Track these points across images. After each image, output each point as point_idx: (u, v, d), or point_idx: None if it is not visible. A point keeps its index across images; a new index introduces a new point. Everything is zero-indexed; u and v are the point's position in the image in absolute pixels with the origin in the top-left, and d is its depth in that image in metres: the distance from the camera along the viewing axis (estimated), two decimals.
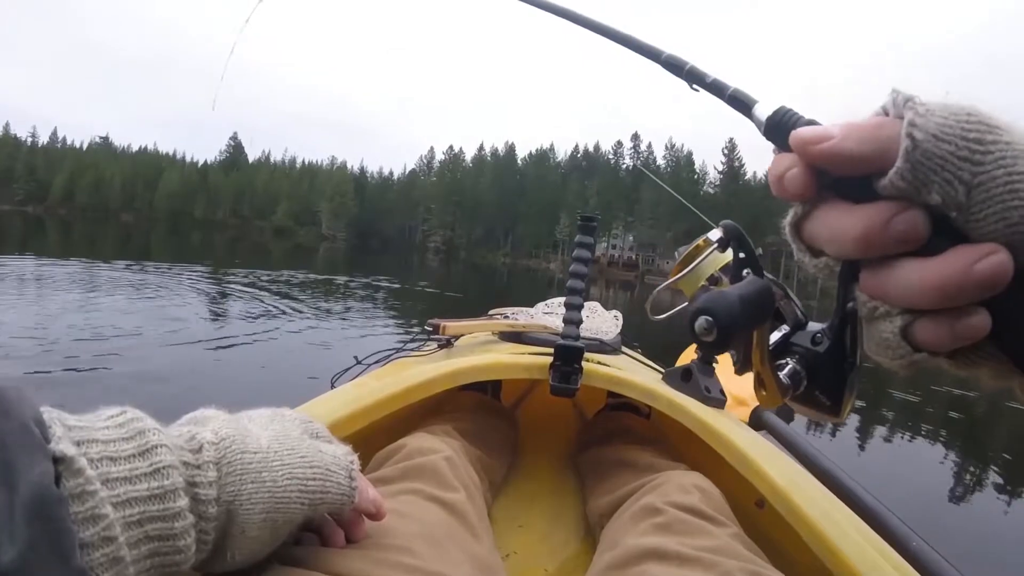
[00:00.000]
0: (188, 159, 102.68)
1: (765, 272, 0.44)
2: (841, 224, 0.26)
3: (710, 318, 0.34)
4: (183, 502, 0.33)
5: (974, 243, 0.24)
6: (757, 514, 0.72)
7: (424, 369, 0.93)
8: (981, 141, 0.23)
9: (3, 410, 0.27)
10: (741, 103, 0.39)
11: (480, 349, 1.04)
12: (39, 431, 0.28)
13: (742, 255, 0.50)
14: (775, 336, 0.39)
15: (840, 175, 0.27)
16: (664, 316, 0.70)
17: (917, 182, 0.24)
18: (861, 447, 3.87)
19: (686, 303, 0.54)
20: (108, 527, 0.29)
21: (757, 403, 1.26)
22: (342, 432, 0.81)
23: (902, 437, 4.38)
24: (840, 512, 0.78)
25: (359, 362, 1.12)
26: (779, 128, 0.32)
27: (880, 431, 4.38)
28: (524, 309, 1.42)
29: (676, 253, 0.78)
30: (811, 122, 0.30)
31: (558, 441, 1.27)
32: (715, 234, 0.55)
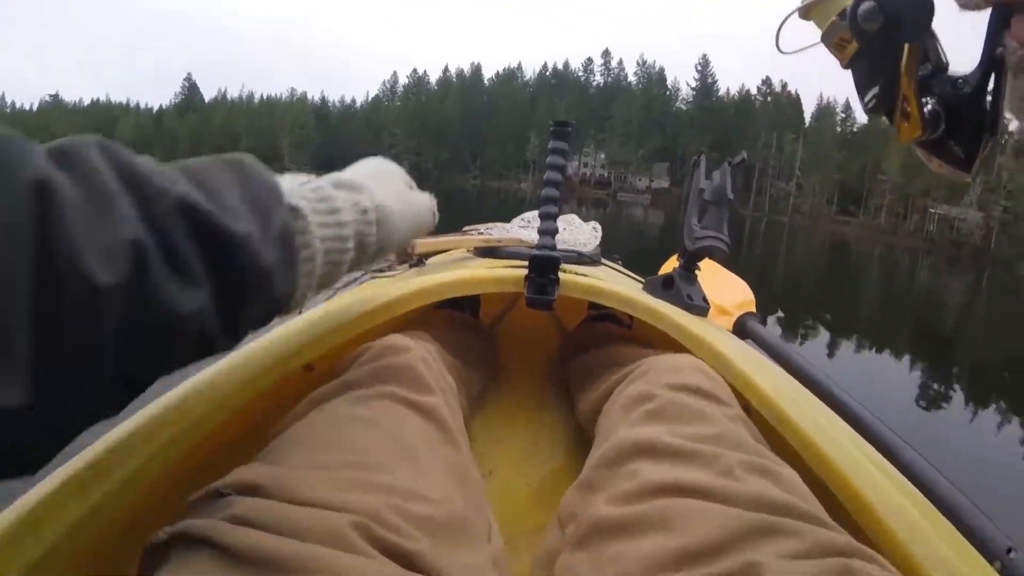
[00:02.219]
0: (142, 106, 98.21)
1: None
2: None
3: (874, 3, 0.32)
4: (351, 243, 0.51)
5: None
6: None
7: (394, 287, 0.89)
8: None
9: (254, 176, 0.42)
10: None
11: (454, 266, 0.99)
12: (278, 190, 0.43)
13: None
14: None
15: None
16: (797, 51, 0.62)
17: None
18: (831, 356, 3.98)
19: (818, 39, 0.49)
20: (314, 254, 0.47)
21: (741, 312, 1.24)
22: (310, 355, 0.76)
23: (872, 351, 4.52)
24: (830, 420, 0.74)
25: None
26: None
27: (850, 348, 4.49)
28: (499, 224, 1.37)
29: None
30: None
31: (539, 358, 1.25)
32: None
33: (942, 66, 0.37)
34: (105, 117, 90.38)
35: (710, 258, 0.98)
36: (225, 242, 0.36)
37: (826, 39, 0.45)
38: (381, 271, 1.01)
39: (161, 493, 0.59)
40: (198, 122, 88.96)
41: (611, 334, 1.06)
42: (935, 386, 3.75)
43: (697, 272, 1.01)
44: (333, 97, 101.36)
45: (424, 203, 0.68)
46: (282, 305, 0.44)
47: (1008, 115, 0.29)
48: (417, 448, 0.54)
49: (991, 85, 0.33)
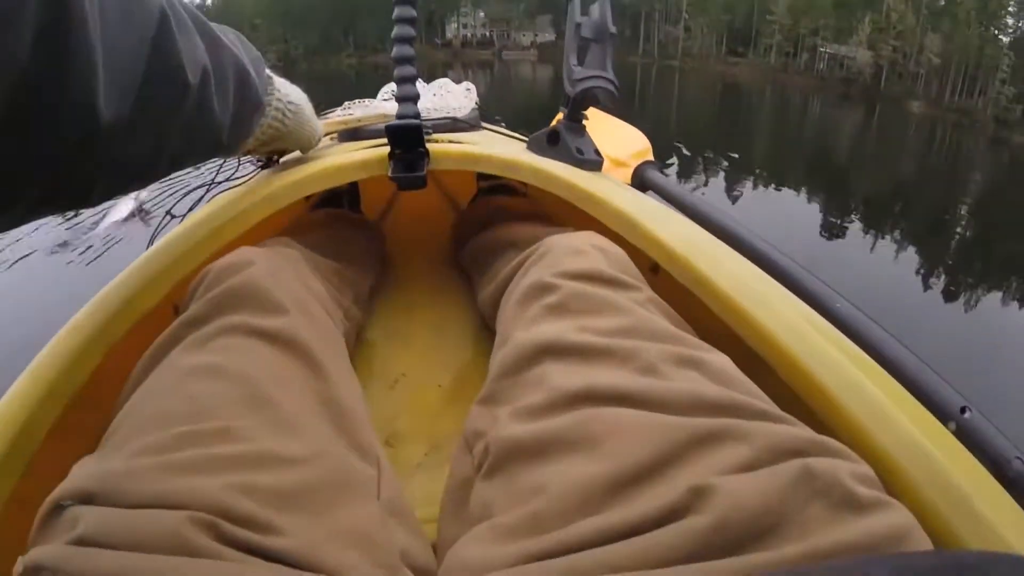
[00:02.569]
0: None
1: None
2: None
3: None
4: (271, 120, 0.70)
5: None
6: (652, 281, 0.61)
7: (242, 196, 0.74)
8: None
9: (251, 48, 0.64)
10: None
11: (310, 158, 0.85)
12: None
13: None
14: None
15: None
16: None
17: None
18: (731, 198, 4.05)
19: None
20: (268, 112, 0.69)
21: (638, 162, 1.15)
22: (156, 295, 0.65)
23: (772, 188, 4.63)
24: (752, 275, 0.65)
25: (170, 214, 0.88)
26: None
27: (749, 188, 4.57)
28: (362, 100, 1.20)
29: None
30: None
31: (434, 244, 1.16)
32: None
33: None
34: None
35: (597, 104, 0.88)
36: (248, 83, 0.58)
37: None
38: (224, 181, 0.84)
39: (21, 505, 0.49)
40: None
41: (502, 208, 0.96)
42: (834, 219, 3.93)
43: (585, 122, 0.90)
44: None
45: (320, 126, 0.82)
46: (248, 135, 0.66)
47: None
48: (274, 392, 0.45)
49: None
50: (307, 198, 0.82)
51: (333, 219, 0.98)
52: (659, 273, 0.73)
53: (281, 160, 0.86)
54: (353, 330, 0.78)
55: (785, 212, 4.07)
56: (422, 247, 1.15)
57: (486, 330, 0.89)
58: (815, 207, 4.09)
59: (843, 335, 0.56)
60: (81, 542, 0.33)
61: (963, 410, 0.56)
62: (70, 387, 0.57)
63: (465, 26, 69.78)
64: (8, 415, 0.52)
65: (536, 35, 65.56)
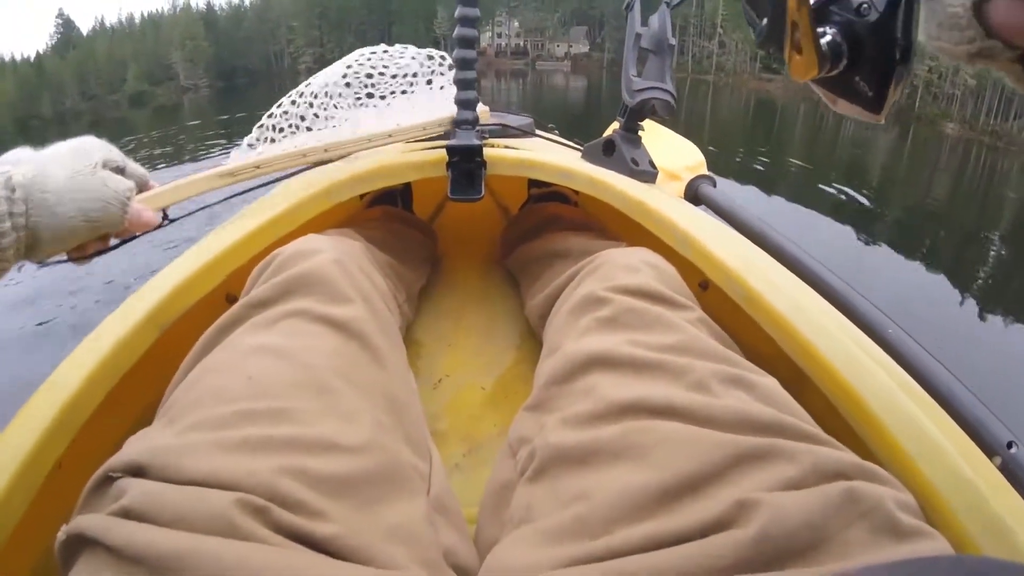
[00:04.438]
0: (19, 58, 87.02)
1: None
2: None
3: None
4: (7, 224, 0.49)
5: None
6: (701, 297, 0.61)
7: (307, 184, 0.77)
8: None
9: None
10: None
11: (376, 156, 0.86)
12: None
13: None
14: None
15: None
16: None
17: None
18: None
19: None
20: None
21: (692, 176, 1.14)
22: (213, 280, 0.66)
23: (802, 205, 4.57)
24: (803, 295, 0.64)
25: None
26: None
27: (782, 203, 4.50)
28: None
29: None
30: None
31: (483, 247, 1.16)
32: None
33: None
34: None
35: (654, 115, 0.88)
36: None
37: None
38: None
39: (68, 474, 0.51)
40: (82, 59, 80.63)
41: (554, 216, 0.96)
42: (865, 238, 3.86)
43: (641, 133, 0.90)
44: (219, 1, 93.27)
45: (115, 192, 0.56)
46: None
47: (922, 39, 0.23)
48: (333, 377, 0.45)
49: (902, 8, 0.28)
50: (362, 194, 0.83)
51: (388, 216, 0.99)
52: (708, 290, 0.73)
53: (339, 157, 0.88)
54: (404, 327, 0.79)
55: (816, 228, 4.02)
56: (471, 249, 1.16)
57: (531, 338, 0.89)
58: (848, 229, 4.03)
59: (893, 361, 0.56)
60: (126, 514, 0.33)
61: (1010, 445, 0.55)
62: (122, 366, 0.58)
63: (499, 35, 70.23)
64: (58, 388, 0.53)
65: (570, 46, 65.70)
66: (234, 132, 9.34)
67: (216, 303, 0.67)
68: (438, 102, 0.88)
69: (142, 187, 0.62)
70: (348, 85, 0.87)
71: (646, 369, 0.45)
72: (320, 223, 0.77)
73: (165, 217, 0.65)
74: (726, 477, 0.35)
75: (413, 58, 0.91)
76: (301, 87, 0.83)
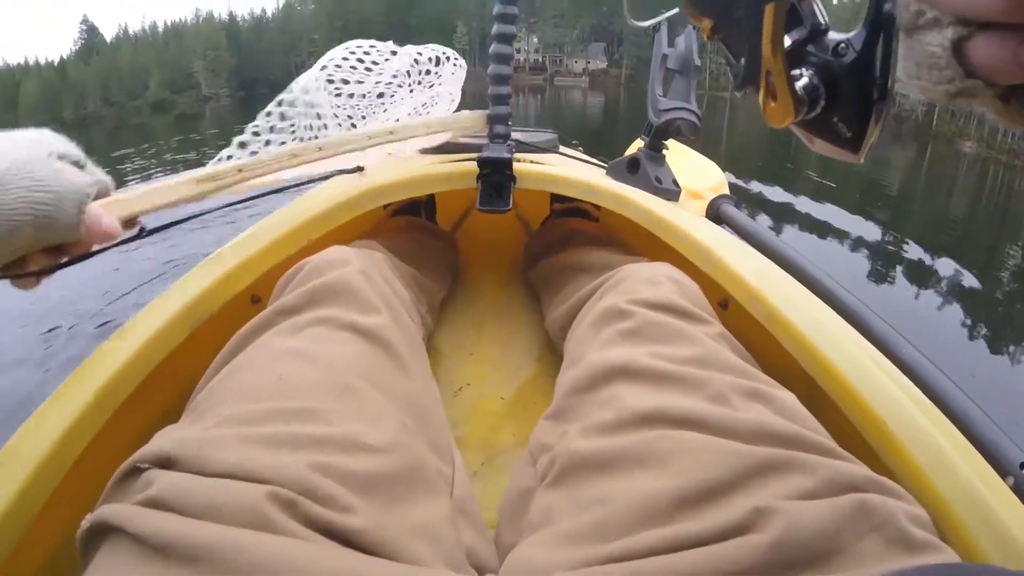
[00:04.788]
0: (43, 62, 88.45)
1: None
2: None
3: None
4: None
5: None
6: (721, 316, 0.63)
7: (335, 193, 0.78)
8: None
9: None
10: None
11: (400, 167, 0.89)
12: None
13: None
14: (787, 40, 0.31)
15: None
16: (649, 23, 0.53)
17: None
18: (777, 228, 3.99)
19: (673, 10, 0.40)
20: None
21: (714, 195, 1.16)
22: (241, 283, 0.68)
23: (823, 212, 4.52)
24: (821, 313, 0.66)
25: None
26: None
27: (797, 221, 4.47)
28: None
29: None
30: None
31: (504, 260, 1.18)
32: None
33: (820, 28, 0.31)
34: (6, 84, 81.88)
35: (679, 135, 0.90)
36: None
37: (686, 10, 0.38)
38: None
39: (89, 474, 0.52)
40: (105, 66, 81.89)
41: (577, 231, 0.98)
42: (880, 266, 3.83)
43: (665, 152, 0.92)
44: (242, 11, 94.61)
45: (71, 184, 0.46)
46: None
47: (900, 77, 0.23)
48: (360, 381, 0.47)
49: (880, 47, 0.28)
50: (387, 204, 0.85)
51: (412, 226, 1.01)
52: (728, 308, 0.74)
53: (367, 169, 0.90)
54: (426, 337, 0.81)
55: (837, 243, 3.99)
56: (492, 261, 1.18)
57: (550, 351, 0.90)
58: (863, 249, 4.00)
59: (908, 380, 0.57)
60: (153, 504, 0.34)
61: (1022, 465, 0.56)
62: (152, 361, 0.60)
63: (518, 51, 70.75)
64: (87, 380, 0.54)
65: (588, 62, 65.96)
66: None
67: (241, 304, 0.69)
68: (438, 97, 0.89)
69: (102, 194, 0.51)
70: (330, 81, 0.82)
71: (667, 381, 0.47)
72: (345, 230, 0.79)
73: (142, 229, 0.57)
74: (744, 486, 0.36)
75: (408, 56, 0.91)
76: (284, 94, 0.77)
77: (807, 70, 0.31)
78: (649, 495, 0.38)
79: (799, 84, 0.31)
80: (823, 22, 0.31)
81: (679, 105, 0.86)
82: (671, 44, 0.90)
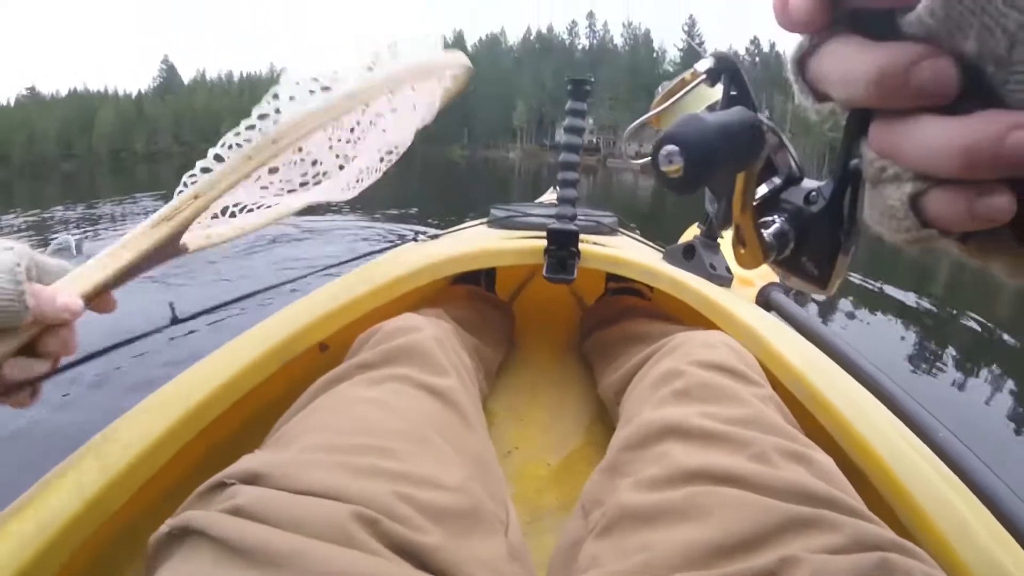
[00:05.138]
0: (121, 93, 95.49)
1: (760, 113, 0.35)
2: (854, 63, 0.21)
3: (676, 147, 0.28)
4: None
5: (1010, 109, 0.19)
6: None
7: (407, 262, 0.86)
8: None
9: None
10: None
11: (469, 238, 0.96)
12: None
13: (734, 92, 0.42)
14: (763, 189, 0.34)
15: (858, 6, 0.22)
16: (640, 162, 0.60)
17: (950, 22, 0.19)
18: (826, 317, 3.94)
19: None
20: None
21: (765, 283, 1.20)
22: (320, 335, 0.75)
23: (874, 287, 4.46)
24: (860, 395, 0.71)
25: (341, 262, 1.02)
26: None
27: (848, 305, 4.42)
28: (525, 205, 1.33)
29: (659, 88, 0.67)
30: None
31: (558, 332, 1.23)
32: (704, 64, 0.45)
33: (794, 178, 0.34)
34: (85, 108, 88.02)
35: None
36: None
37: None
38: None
39: (168, 483, 0.57)
40: (180, 106, 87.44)
41: (631, 307, 1.03)
42: (928, 352, 3.73)
43: (720, 240, 0.98)
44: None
45: None
46: None
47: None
48: (432, 432, 0.52)
49: (848, 195, 0.30)
50: None
51: (473, 295, 1.08)
52: (779, 391, 0.78)
53: (442, 236, 0.97)
54: (482, 401, 0.86)
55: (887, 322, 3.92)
56: (546, 332, 1.23)
57: (599, 421, 0.94)
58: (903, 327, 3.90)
59: (940, 460, 0.62)
60: (236, 512, 0.37)
61: None
62: (236, 393, 0.65)
63: None
64: (155, 419, 0.59)
65: (641, 146, 67.15)
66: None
67: (312, 350, 0.76)
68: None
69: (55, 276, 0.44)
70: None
71: (714, 439, 0.51)
72: (412, 294, 0.86)
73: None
74: (776, 539, 0.40)
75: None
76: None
77: (779, 216, 0.33)
78: (689, 544, 0.41)
79: (769, 231, 0.33)
80: (797, 172, 0.34)
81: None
82: None
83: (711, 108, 0.56)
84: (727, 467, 0.46)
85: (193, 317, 0.67)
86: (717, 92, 0.45)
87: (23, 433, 1.84)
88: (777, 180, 0.34)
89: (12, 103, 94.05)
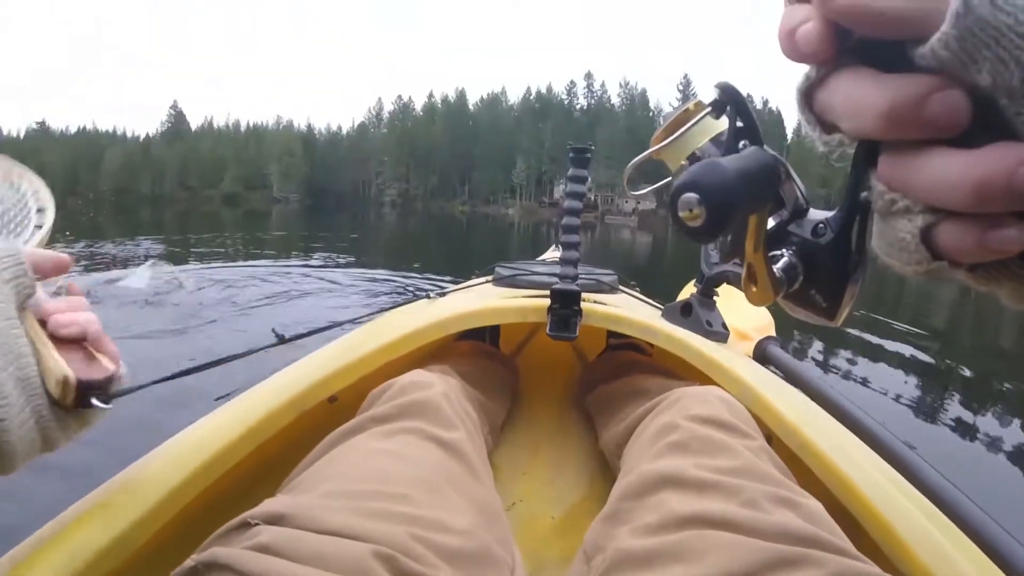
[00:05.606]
0: (129, 135, 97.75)
1: (766, 146, 0.35)
2: (864, 95, 0.21)
3: (697, 195, 0.27)
4: None
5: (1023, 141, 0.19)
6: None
7: (416, 318, 0.90)
8: None
9: None
10: None
11: (474, 296, 1.01)
12: None
13: (740, 124, 0.40)
14: (771, 222, 0.33)
15: (867, 36, 0.21)
16: (644, 191, 0.61)
17: (964, 55, 0.19)
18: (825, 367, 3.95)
19: (669, 177, 0.45)
20: None
21: (761, 336, 1.25)
22: (333, 387, 0.78)
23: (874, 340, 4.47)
24: (854, 446, 0.75)
25: (346, 323, 1.06)
26: None
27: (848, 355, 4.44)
28: (528, 263, 1.38)
29: (661, 119, 0.67)
30: None
31: (560, 386, 1.26)
32: (709, 95, 0.43)
33: (801, 210, 0.33)
34: (93, 146, 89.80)
35: (728, 283, 1.00)
36: None
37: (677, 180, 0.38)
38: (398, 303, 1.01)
39: (187, 521, 0.60)
40: (186, 151, 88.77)
41: (632, 362, 1.07)
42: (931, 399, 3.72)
43: (715, 298, 1.02)
44: (319, 124, 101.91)
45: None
46: None
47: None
48: (441, 481, 0.56)
49: (856, 226, 0.30)
50: None
51: (478, 351, 1.11)
52: (773, 443, 0.81)
53: (448, 292, 1.01)
54: (488, 454, 0.89)
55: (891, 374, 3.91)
56: (548, 386, 1.26)
57: (601, 475, 0.96)
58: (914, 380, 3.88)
59: (926, 498, 0.67)
60: (261, 549, 0.40)
61: None
62: (263, 434, 0.69)
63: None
64: (184, 459, 0.62)
65: (638, 202, 68.20)
66: (312, 248, 9.92)
67: (322, 401, 0.79)
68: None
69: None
70: None
71: (708, 488, 0.55)
72: (419, 348, 0.89)
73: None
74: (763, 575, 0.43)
75: None
76: None
77: (787, 250, 0.32)
78: None
79: (778, 265, 0.32)
80: (804, 204, 0.33)
81: (733, 263, 0.97)
82: None
83: (716, 140, 0.56)
84: (719, 513, 0.50)
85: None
86: (722, 123, 0.45)
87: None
88: (784, 213, 0.33)
89: (22, 135, 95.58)
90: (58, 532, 0.50)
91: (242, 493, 0.66)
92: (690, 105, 0.56)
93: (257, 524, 0.43)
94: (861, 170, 0.25)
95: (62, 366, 0.43)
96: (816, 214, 0.32)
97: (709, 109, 0.43)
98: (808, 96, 0.24)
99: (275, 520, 0.43)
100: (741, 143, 0.38)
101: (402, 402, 0.67)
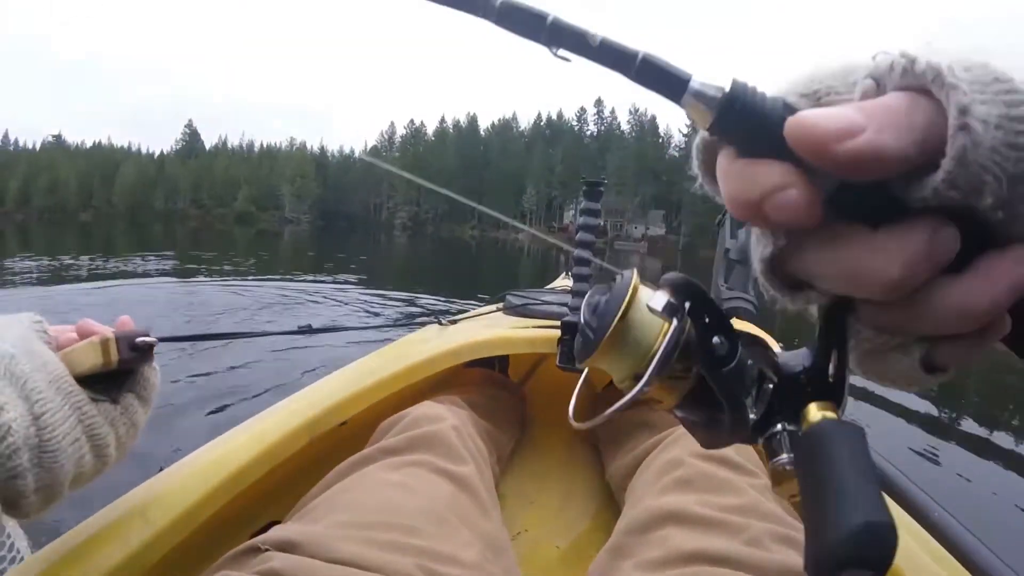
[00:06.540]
0: (144, 151, 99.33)
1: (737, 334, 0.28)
2: (868, 264, 0.19)
3: None
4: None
5: (1002, 246, 0.19)
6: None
7: (427, 347, 0.91)
8: (1021, 118, 0.17)
9: None
10: (663, 76, 0.22)
11: (485, 324, 1.02)
12: None
13: (707, 318, 0.28)
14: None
15: (850, 181, 0.19)
16: (590, 424, 0.50)
17: (970, 187, 0.17)
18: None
19: (622, 398, 0.30)
20: None
21: None
22: (346, 413, 0.80)
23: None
24: None
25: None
26: (745, 115, 0.20)
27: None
28: (537, 291, 1.39)
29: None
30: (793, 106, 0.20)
31: (568, 415, 1.25)
32: (658, 300, 0.28)
33: (782, 374, 0.27)
34: (108, 161, 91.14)
35: (738, 317, 1.00)
36: None
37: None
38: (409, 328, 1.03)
39: (197, 541, 0.60)
40: (200, 169, 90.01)
41: None
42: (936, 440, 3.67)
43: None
44: (332, 147, 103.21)
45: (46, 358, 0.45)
46: None
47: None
48: (450, 514, 0.57)
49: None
50: None
51: (487, 379, 1.12)
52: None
53: (460, 319, 1.02)
54: (495, 484, 0.89)
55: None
56: (556, 415, 1.25)
57: (606, 508, 0.96)
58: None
59: (932, 537, 0.66)
60: (272, 574, 0.40)
61: None
62: (276, 458, 0.70)
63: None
64: (197, 480, 0.63)
65: (647, 228, 68.28)
66: (322, 270, 10.02)
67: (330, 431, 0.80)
68: None
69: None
70: None
71: (711, 525, 0.55)
72: (430, 376, 0.91)
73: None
74: None
75: None
76: None
77: (783, 447, 0.25)
78: None
79: (782, 461, 0.25)
80: (781, 369, 0.27)
81: (738, 295, 0.98)
82: (733, 236, 1.03)
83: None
84: (722, 550, 0.51)
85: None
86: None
87: None
88: (770, 386, 0.27)
89: (38, 147, 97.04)
90: (70, 550, 0.51)
91: (251, 515, 0.67)
92: (627, 294, 0.31)
93: (268, 550, 0.44)
94: (836, 320, 0.23)
95: (92, 339, 0.46)
96: (789, 370, 0.26)
97: (661, 314, 0.28)
98: (776, 264, 0.21)
99: (286, 547, 0.44)
100: (715, 339, 0.27)
101: (413, 434, 0.68)
